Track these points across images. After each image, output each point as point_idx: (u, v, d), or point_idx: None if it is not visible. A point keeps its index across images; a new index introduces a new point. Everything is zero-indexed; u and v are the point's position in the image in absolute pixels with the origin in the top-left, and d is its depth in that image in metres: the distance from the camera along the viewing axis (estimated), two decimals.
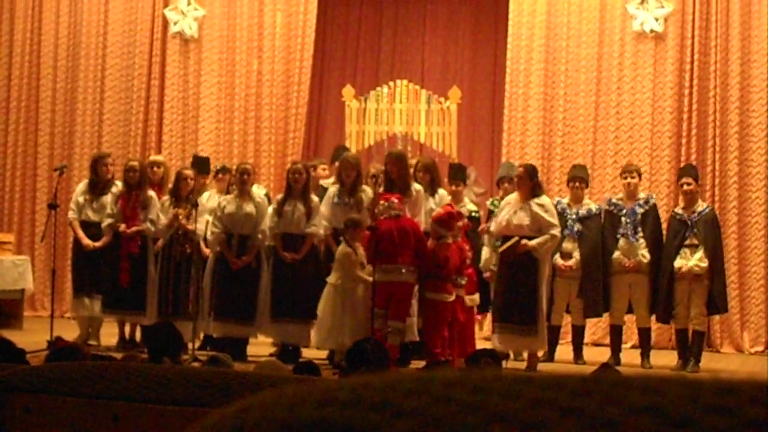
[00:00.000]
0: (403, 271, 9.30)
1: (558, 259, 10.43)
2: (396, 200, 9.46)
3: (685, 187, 10.46)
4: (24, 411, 2.38)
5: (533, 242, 9.53)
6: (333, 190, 10.18)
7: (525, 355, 10.01)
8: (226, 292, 10.05)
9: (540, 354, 9.97)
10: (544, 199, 9.87)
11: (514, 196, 9.87)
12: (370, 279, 9.34)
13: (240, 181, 10.27)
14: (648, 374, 0.66)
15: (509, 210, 9.69)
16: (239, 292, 10.01)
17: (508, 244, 9.57)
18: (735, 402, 0.61)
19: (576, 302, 10.54)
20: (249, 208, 10.16)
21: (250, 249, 10.11)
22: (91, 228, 10.72)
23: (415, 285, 9.44)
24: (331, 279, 9.58)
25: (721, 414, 0.60)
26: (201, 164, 11.18)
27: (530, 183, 9.73)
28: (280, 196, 10.34)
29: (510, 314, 9.55)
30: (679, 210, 10.55)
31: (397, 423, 0.62)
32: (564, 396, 0.62)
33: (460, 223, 9.50)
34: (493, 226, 10.07)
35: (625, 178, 10.70)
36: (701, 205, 10.47)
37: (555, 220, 9.82)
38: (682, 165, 12.48)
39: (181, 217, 10.17)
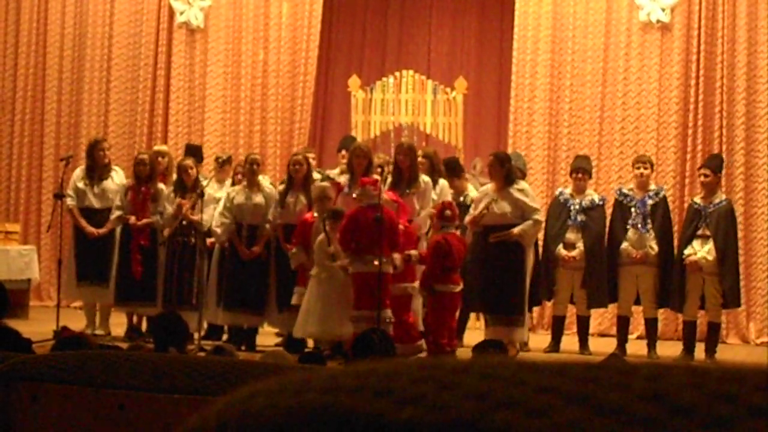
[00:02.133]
0: (377, 261, 9.03)
1: (561, 250, 10.40)
2: (372, 186, 9.28)
3: (702, 178, 10.36)
4: (30, 400, 2.39)
5: (517, 229, 9.49)
6: (344, 180, 10.15)
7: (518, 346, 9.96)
8: (235, 282, 10.05)
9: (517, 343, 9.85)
10: (523, 184, 9.81)
11: (489, 187, 9.79)
12: (340, 270, 9.26)
13: (249, 171, 10.27)
14: (653, 362, 0.67)
15: (487, 201, 9.57)
16: (248, 282, 10.02)
17: (500, 236, 9.46)
18: (740, 389, 0.61)
19: (580, 293, 10.51)
20: (258, 198, 10.17)
21: (259, 239, 10.12)
22: (95, 215, 10.71)
23: (390, 274, 9.19)
24: (313, 270, 9.52)
25: (726, 401, 0.60)
26: (194, 153, 11.15)
27: (502, 170, 9.65)
28: (281, 187, 10.34)
29: (496, 305, 9.50)
30: (697, 199, 10.42)
31: (402, 409, 0.62)
32: (569, 383, 0.62)
33: (448, 212, 9.34)
34: (467, 219, 9.81)
35: (638, 168, 10.55)
36: (719, 197, 10.25)
37: (537, 205, 9.78)
38: (688, 155, 12.51)
39: (185, 207, 10.17)
